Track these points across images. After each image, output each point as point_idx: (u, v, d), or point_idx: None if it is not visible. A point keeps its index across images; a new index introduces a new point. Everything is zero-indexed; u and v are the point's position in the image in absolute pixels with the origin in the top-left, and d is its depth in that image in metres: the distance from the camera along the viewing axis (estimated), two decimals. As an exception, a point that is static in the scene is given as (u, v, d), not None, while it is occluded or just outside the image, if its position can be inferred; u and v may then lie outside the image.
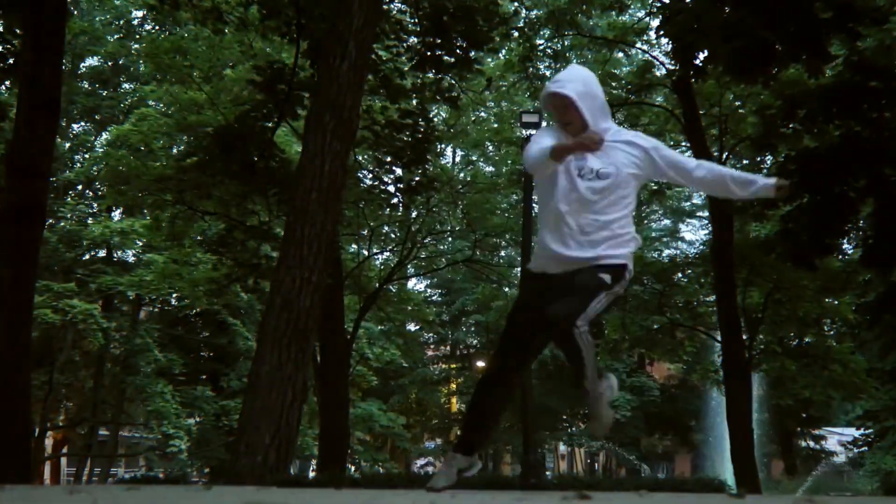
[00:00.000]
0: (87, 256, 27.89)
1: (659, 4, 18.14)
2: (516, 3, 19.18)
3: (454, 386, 37.97)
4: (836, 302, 21.52)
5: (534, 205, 20.02)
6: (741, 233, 19.93)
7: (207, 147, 15.88)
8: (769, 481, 27.14)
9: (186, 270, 21.30)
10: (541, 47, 19.98)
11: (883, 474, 22.92)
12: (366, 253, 22.79)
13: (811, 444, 36.32)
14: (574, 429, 36.82)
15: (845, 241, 17.47)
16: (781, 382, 24.47)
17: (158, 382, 26.21)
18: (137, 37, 26.57)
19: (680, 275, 21.93)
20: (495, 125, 25.94)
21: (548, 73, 22.00)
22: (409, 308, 27.55)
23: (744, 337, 18.23)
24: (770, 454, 35.78)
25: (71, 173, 27.85)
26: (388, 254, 25.06)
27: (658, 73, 20.29)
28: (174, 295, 26.24)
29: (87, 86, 28.82)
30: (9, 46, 13.71)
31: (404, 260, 22.08)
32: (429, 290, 39.03)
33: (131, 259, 28.45)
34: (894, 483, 15.13)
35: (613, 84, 21.32)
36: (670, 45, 14.23)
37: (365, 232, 21.85)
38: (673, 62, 17.49)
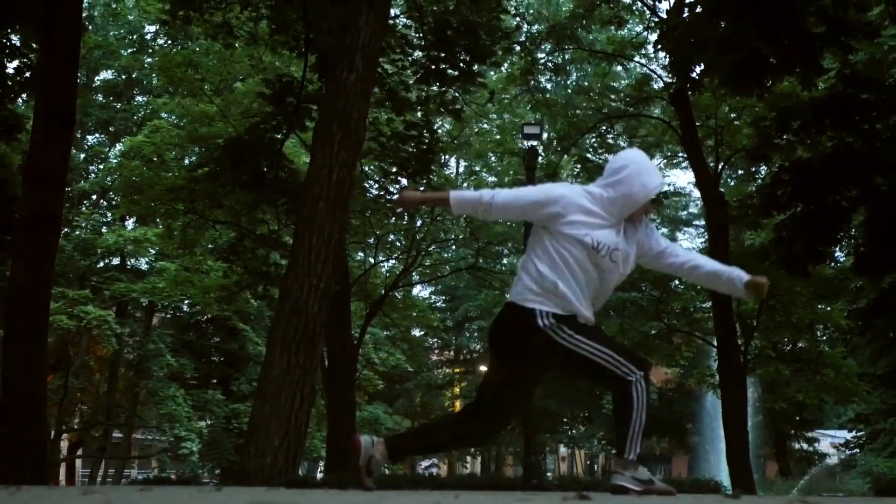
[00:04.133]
0: (101, 264, 27.98)
1: (657, 19, 18.33)
2: (518, 19, 19.38)
3: (458, 390, 38.07)
4: (829, 308, 21.66)
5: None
6: (736, 241, 19.96)
7: (218, 158, 16.07)
8: (763, 482, 27.15)
9: (198, 278, 21.49)
10: (542, 61, 20.24)
11: (874, 475, 23.04)
12: (372, 261, 22.95)
13: (804, 446, 36.18)
14: (574, 431, 37.08)
15: (837, 249, 17.58)
16: (775, 386, 24.54)
17: (171, 386, 26.34)
18: (150, 51, 26.74)
19: (677, 282, 22.17)
20: (497, 137, 26.23)
21: (549, 87, 22.21)
22: (414, 314, 27.46)
23: (739, 342, 18.36)
24: (764, 456, 35.76)
25: (86, 183, 27.96)
26: (393, 261, 25.20)
27: (656, 86, 20.49)
28: (186, 301, 26.26)
29: (101, 98, 28.89)
30: (26, 60, 14.00)
31: (409, 267, 22.17)
32: (433, 297, 39.12)
33: (144, 267, 28.51)
34: (885, 484, 15.35)
35: (612, 97, 21.62)
36: (668, 59, 14.26)
37: (371, 240, 21.97)
38: (670, 75, 17.60)
